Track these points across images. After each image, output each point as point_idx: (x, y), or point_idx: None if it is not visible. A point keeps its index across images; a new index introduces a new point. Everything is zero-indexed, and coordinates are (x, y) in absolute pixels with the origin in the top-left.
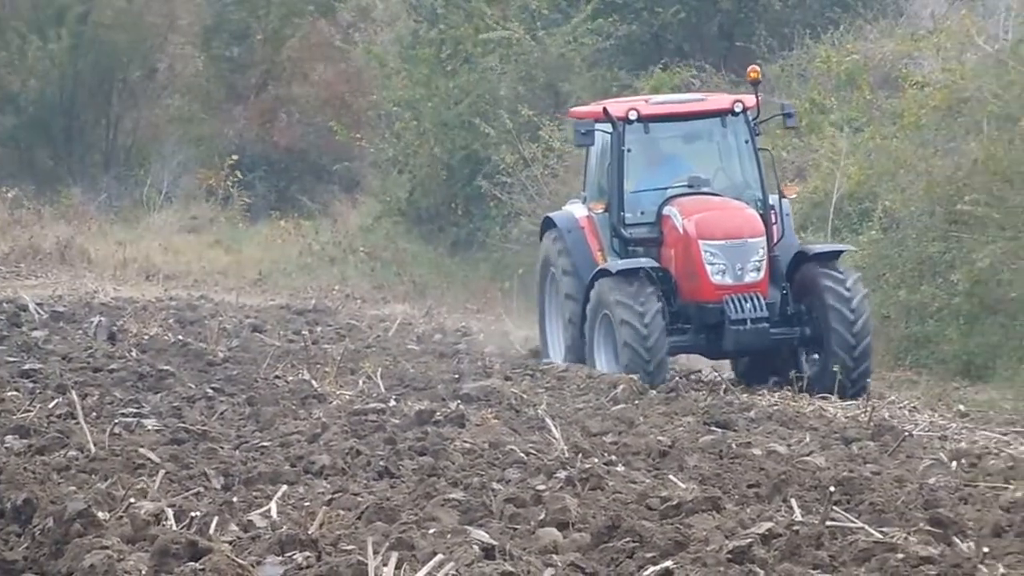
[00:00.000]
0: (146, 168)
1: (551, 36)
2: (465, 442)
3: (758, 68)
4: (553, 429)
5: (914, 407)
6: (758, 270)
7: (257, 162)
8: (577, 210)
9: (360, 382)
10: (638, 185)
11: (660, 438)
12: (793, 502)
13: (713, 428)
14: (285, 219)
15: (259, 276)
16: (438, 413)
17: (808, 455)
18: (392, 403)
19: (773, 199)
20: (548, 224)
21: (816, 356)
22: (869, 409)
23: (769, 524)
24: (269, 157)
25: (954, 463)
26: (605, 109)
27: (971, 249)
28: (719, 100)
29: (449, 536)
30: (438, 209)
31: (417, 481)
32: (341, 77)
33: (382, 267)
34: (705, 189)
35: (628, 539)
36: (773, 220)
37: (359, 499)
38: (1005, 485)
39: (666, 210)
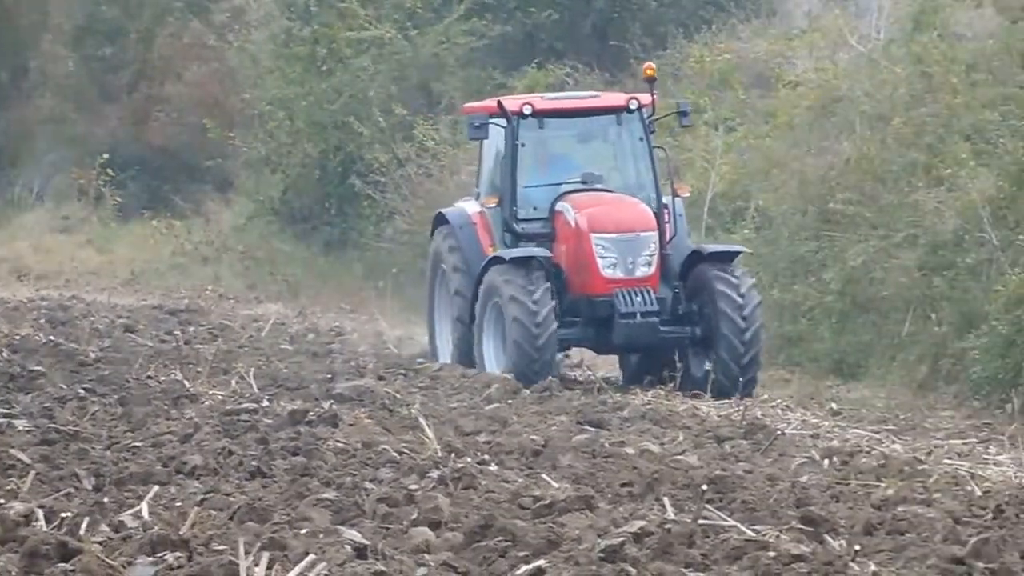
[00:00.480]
0: (18, 168)
1: (424, 36)
2: (338, 442)
3: (654, 66)
4: (426, 428)
5: (787, 406)
6: (649, 264)
7: (130, 161)
8: (469, 206)
9: (233, 382)
10: (531, 180)
11: (533, 437)
12: (666, 501)
13: (586, 427)
14: (158, 218)
15: (131, 276)
16: (311, 413)
17: (681, 454)
18: (265, 403)
19: (667, 198)
20: (439, 220)
21: (706, 359)
22: (742, 408)
23: (641, 523)
24: (142, 156)
25: (826, 461)
26: (500, 103)
27: (843, 248)
28: (614, 97)
29: (321, 536)
30: (311, 208)
31: (289, 481)
32: (214, 76)
33: (255, 266)
34: (598, 185)
35: (501, 538)
36: (666, 218)
37: (231, 499)
38: (876, 483)
39: (559, 206)
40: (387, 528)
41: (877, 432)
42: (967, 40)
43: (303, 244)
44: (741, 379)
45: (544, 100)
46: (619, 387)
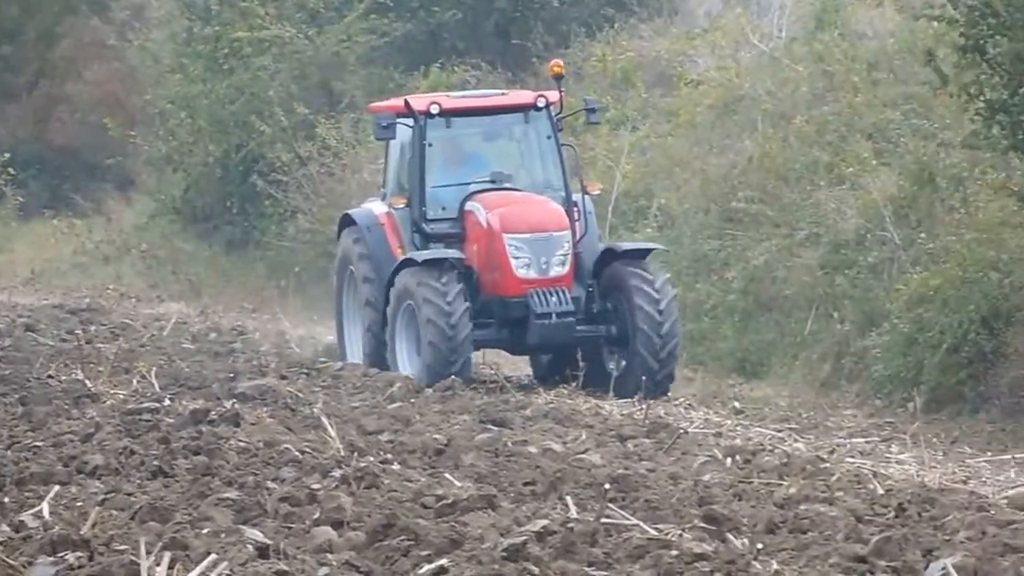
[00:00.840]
0: None
1: (325, 35)
2: (240, 441)
3: (561, 63)
4: (329, 428)
5: (689, 404)
6: (563, 264)
7: (31, 160)
8: (376, 207)
9: (134, 381)
10: (440, 180)
11: (436, 436)
12: (568, 500)
13: (489, 426)
14: (59, 218)
15: (32, 275)
16: (213, 412)
17: (584, 453)
18: (166, 402)
19: (576, 196)
20: (346, 221)
21: (622, 356)
22: (645, 407)
23: (544, 522)
24: (43, 155)
25: (728, 460)
26: (407, 102)
27: (746, 247)
28: (522, 95)
29: (223, 536)
30: (213, 207)
31: (191, 481)
32: (115, 75)
33: (157, 266)
34: (508, 184)
35: (403, 537)
36: (576, 216)
37: (132, 499)
38: (779, 482)
39: (468, 205)
40: (289, 528)
41: (780, 431)
42: (868, 39)
43: (205, 243)
44: (659, 374)
45: (451, 99)
46: (529, 386)
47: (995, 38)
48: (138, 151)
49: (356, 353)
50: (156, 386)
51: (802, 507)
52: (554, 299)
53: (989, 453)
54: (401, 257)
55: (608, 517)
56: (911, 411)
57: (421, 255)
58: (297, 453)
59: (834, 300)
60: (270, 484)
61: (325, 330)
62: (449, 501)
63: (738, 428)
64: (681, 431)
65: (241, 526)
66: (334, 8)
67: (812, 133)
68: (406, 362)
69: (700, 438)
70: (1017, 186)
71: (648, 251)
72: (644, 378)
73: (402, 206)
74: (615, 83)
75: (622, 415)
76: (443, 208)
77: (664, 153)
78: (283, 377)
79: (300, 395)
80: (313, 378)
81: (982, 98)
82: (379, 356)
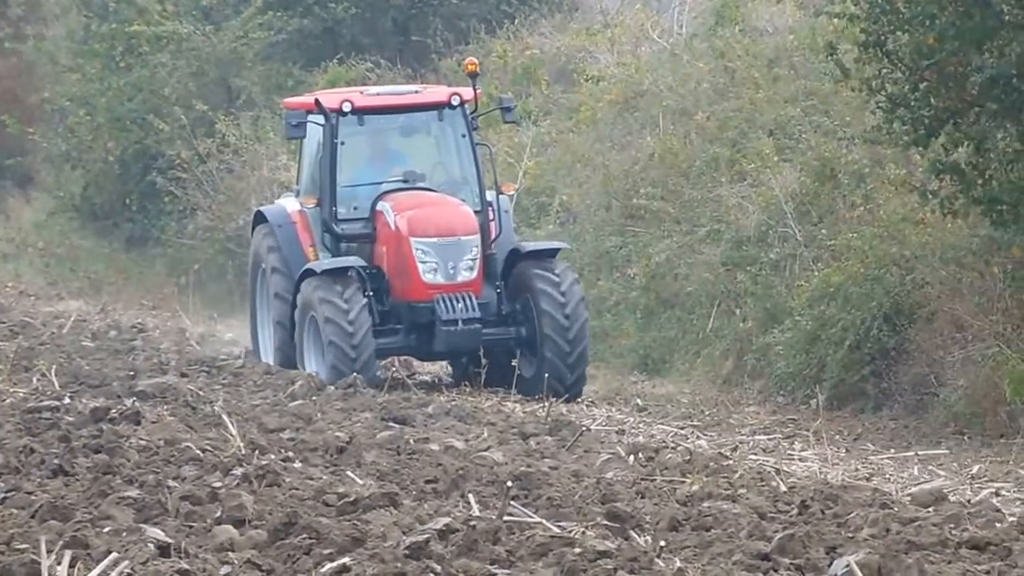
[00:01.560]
0: None
1: (222, 31)
2: (140, 439)
3: (476, 61)
4: (229, 426)
5: (592, 401)
6: (471, 269)
7: None
8: (289, 204)
9: (34, 379)
10: (352, 179)
11: (338, 434)
12: (471, 497)
13: (391, 424)
14: None
15: None
16: (113, 410)
17: (486, 450)
18: (66, 400)
19: (491, 195)
20: (259, 218)
21: (533, 359)
22: (547, 404)
23: (446, 519)
24: None
25: (631, 457)
26: (317, 100)
27: (647, 243)
28: (436, 92)
29: (124, 534)
30: (113, 205)
31: (92, 479)
32: (12, 71)
33: (56, 263)
34: (420, 184)
35: (305, 536)
36: (491, 217)
37: (33, 498)
38: (682, 479)
39: (379, 205)
40: (190, 526)
41: (682, 428)
42: (768, 35)
43: (105, 241)
44: (570, 378)
45: (364, 96)
46: (433, 385)
47: (895, 33)
48: (37, 148)
49: (269, 353)
50: (56, 384)
51: (705, 504)
52: (460, 305)
53: (892, 450)
54: (312, 258)
55: (511, 515)
56: (814, 408)
57: (322, 265)
58: (198, 451)
59: (736, 297)
60: (171, 483)
61: (225, 328)
62: (351, 499)
63: (640, 425)
64: (583, 429)
65: (142, 525)
66: (230, 5)
67: (713, 129)
68: (313, 368)
69: (603, 435)
70: (918, 182)
71: (555, 251)
72: (555, 382)
73: (313, 205)
74: (516, 79)
75: (524, 412)
76: (355, 207)
77: (566, 149)
78: (183, 375)
79: (200, 393)
80: (213, 376)
81: (883, 92)
82: (289, 351)
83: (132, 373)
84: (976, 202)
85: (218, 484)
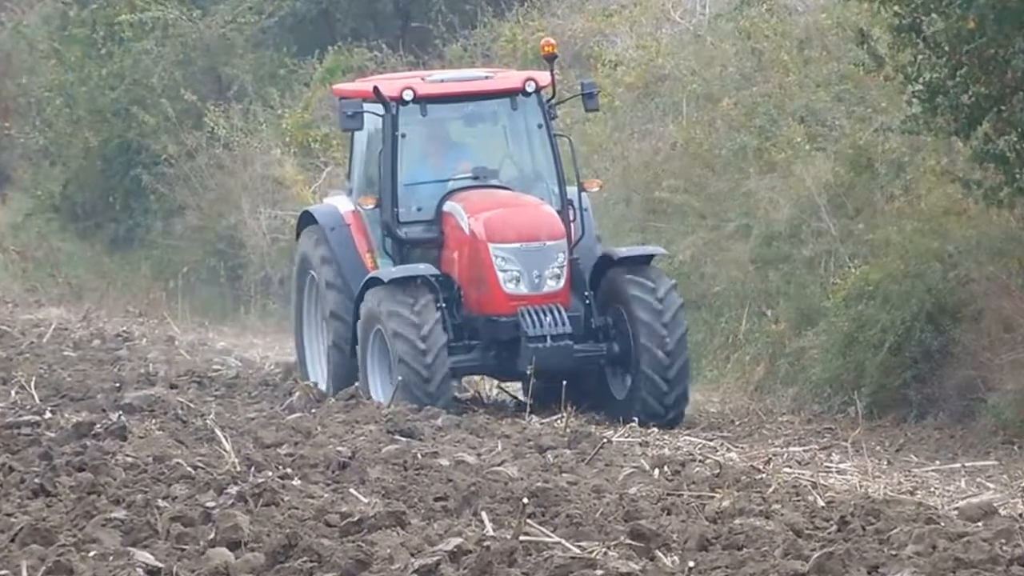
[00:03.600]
0: None
1: (210, 16)
2: (127, 456)
3: (553, 41)
4: (223, 440)
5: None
6: (558, 278)
7: None
8: (341, 204)
9: (12, 392)
10: (414, 176)
11: (339, 449)
12: (484, 516)
13: (397, 437)
14: None
15: None
16: (98, 425)
17: (500, 465)
18: (47, 415)
19: (572, 193)
20: (306, 220)
21: (627, 377)
22: (565, 414)
23: (458, 540)
24: None
25: (656, 471)
26: (376, 88)
27: (671, 240)
28: (508, 78)
29: (111, 559)
30: (94, 204)
31: (75, 499)
32: None
33: (35, 268)
34: (493, 181)
35: (306, 558)
36: (572, 217)
37: (12, 520)
38: (711, 494)
39: (447, 206)
40: (182, 549)
41: (711, 439)
42: (798, 14)
43: (86, 243)
44: (669, 396)
45: (427, 83)
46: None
47: (931, 16)
48: (13, 144)
49: (320, 372)
50: (36, 398)
51: (736, 521)
52: (548, 319)
53: (937, 461)
54: (371, 265)
55: (527, 534)
56: (852, 416)
57: (389, 273)
58: (189, 468)
59: (767, 297)
60: (161, 502)
61: (217, 335)
62: (355, 519)
63: (666, 437)
64: (604, 441)
65: (130, 548)
66: None
67: (740, 117)
68: (379, 388)
69: (625, 448)
70: (961, 171)
71: (649, 257)
72: (653, 402)
73: (371, 206)
74: (526, 65)
75: (541, 424)
76: (418, 208)
77: (582, 139)
78: (173, 386)
79: (192, 406)
80: (205, 387)
81: (920, 80)
82: (348, 375)
83: (118, 385)
84: (1022, 192)
85: (211, 504)
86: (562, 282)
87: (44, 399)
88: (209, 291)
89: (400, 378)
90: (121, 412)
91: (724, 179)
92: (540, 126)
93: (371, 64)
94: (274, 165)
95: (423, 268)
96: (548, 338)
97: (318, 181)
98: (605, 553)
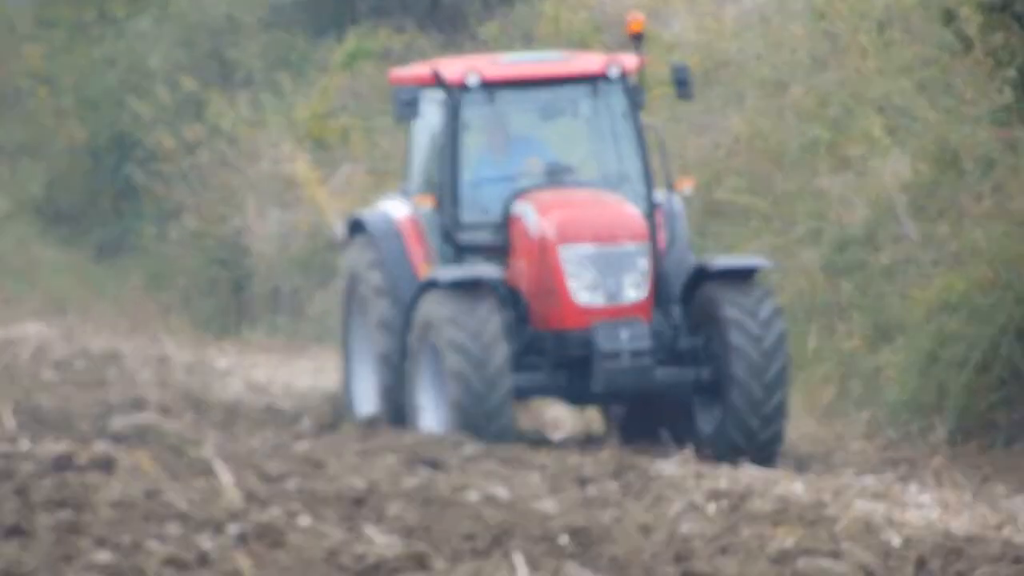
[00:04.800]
0: None
1: None
2: (113, 491)
3: (641, 17)
4: (222, 473)
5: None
6: (639, 287)
7: None
8: (396, 208)
9: None
10: (479, 174)
11: (355, 482)
12: (517, 557)
13: (419, 468)
14: None
15: None
16: (81, 456)
17: (535, 499)
18: (24, 445)
19: (661, 194)
20: (356, 227)
21: (716, 408)
22: (609, 440)
23: None
24: None
25: (711, 506)
26: (436, 71)
27: (733, 245)
28: (589, 61)
29: None
30: (81, 206)
31: (54, 540)
32: None
33: (13, 278)
34: (569, 179)
35: None
36: (660, 222)
37: None
38: (773, 531)
39: (516, 207)
40: None
41: (773, 469)
42: None
43: (71, 249)
44: (762, 435)
45: (496, 65)
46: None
47: None
48: None
49: (369, 400)
50: (12, 425)
51: (801, 562)
52: (626, 334)
53: None
54: (424, 275)
55: None
56: (933, 443)
57: (448, 275)
58: (184, 505)
59: (839, 310)
60: (151, 543)
61: (218, 352)
62: (371, 561)
63: (722, 467)
64: (654, 472)
65: None
66: None
67: (810, 106)
68: (430, 414)
69: (677, 480)
70: None
71: (751, 271)
72: (742, 437)
73: (430, 207)
74: (570, 47)
75: (582, 453)
76: (484, 211)
77: None
78: (166, 411)
79: (187, 434)
80: (203, 413)
81: (1013, 65)
82: (396, 393)
83: (104, 410)
84: None
85: (209, 545)
86: (644, 292)
87: (21, 426)
88: (208, 305)
89: (454, 397)
90: (107, 441)
91: (793, 177)
92: (626, 116)
93: (398, 46)
94: (284, 161)
95: (486, 270)
96: (625, 355)
97: (334, 180)
98: None
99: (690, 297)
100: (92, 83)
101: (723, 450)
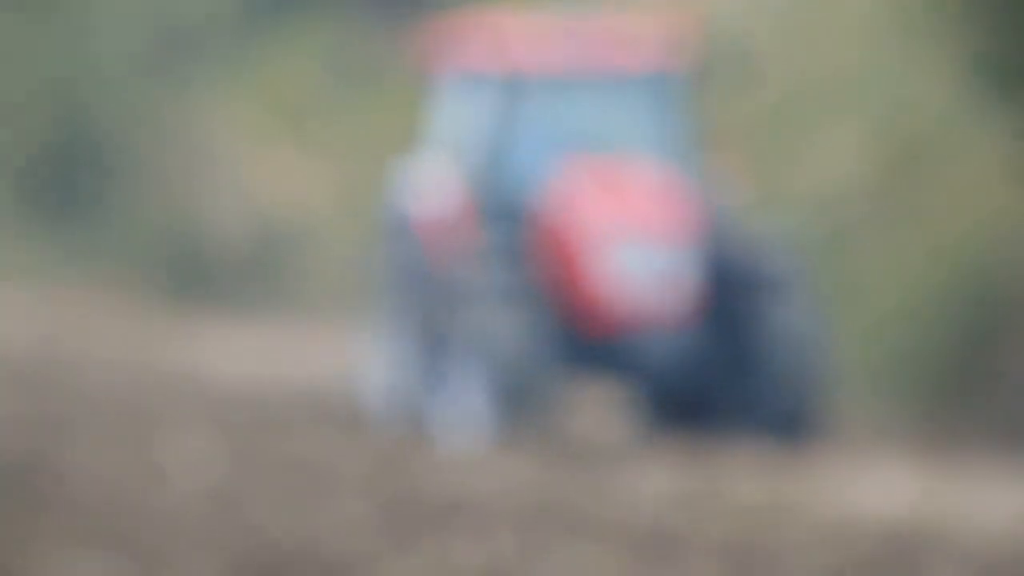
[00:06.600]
0: None
1: None
2: None
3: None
4: None
5: None
6: (681, 286)
7: None
8: (429, 195)
9: None
10: (519, 159)
11: None
12: None
13: None
14: None
15: None
16: None
17: None
18: None
19: (708, 180)
20: (384, 218)
21: (755, 397)
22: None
23: None
24: None
25: None
26: (465, 42)
27: None
28: (640, 37)
29: None
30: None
31: None
32: None
33: None
34: (612, 165)
35: None
36: (706, 213)
37: None
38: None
39: (551, 197)
40: None
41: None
42: None
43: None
44: (797, 414)
45: (531, 33)
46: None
47: None
48: None
49: (388, 386)
50: None
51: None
52: (665, 336)
53: None
54: (459, 267)
55: None
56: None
57: (482, 270)
58: None
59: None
60: None
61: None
62: None
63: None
64: None
65: None
66: None
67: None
68: (458, 411)
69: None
70: None
71: (793, 272)
72: (778, 421)
73: (458, 197)
74: None
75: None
76: (522, 200)
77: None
78: None
79: None
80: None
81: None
82: (414, 392)
83: None
84: None
85: None
86: (686, 293)
87: None
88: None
89: (492, 391)
90: None
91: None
92: (674, 99)
93: None
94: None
95: (519, 269)
96: (663, 358)
97: (312, 164)
98: None
99: (733, 299)
100: (36, 73)
101: (757, 430)
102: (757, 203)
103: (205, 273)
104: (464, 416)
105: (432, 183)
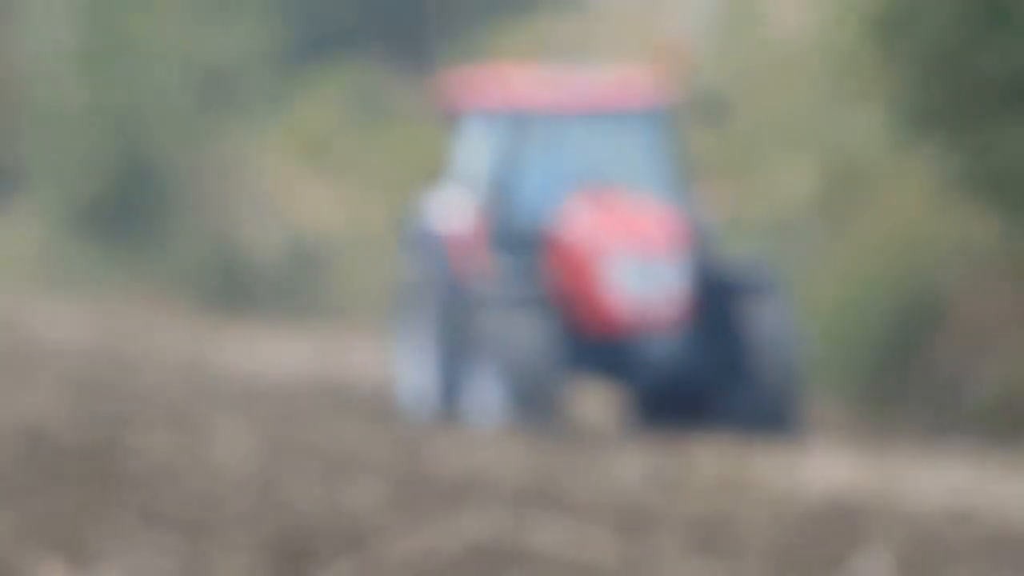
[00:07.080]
0: None
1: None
2: None
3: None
4: None
5: None
6: (676, 295)
7: None
8: (448, 215)
9: None
10: (526, 185)
11: None
12: None
13: None
14: None
15: None
16: None
17: None
18: None
19: (693, 204)
20: (406, 234)
21: (737, 392)
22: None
23: None
24: None
25: None
26: (481, 87)
27: None
28: (637, 85)
29: None
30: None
31: None
32: None
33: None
34: (611, 191)
35: None
36: (695, 230)
37: None
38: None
39: (561, 218)
40: None
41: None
42: None
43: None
44: (778, 410)
45: (544, 82)
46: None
47: None
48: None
49: (417, 384)
50: None
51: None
52: (660, 339)
53: None
54: (477, 279)
55: None
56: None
57: (492, 287)
58: None
59: None
60: None
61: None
62: None
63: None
64: None
65: None
66: None
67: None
68: (482, 410)
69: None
70: None
71: (772, 275)
72: (758, 416)
73: (477, 217)
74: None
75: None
76: (533, 220)
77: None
78: None
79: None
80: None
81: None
82: (443, 399)
83: None
84: None
85: None
86: (679, 300)
87: None
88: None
89: (508, 394)
90: None
91: None
92: (666, 135)
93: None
94: (285, 168)
95: (533, 280)
96: (661, 357)
97: (338, 191)
98: None
99: (714, 301)
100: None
101: (741, 424)
102: (729, 223)
103: (247, 286)
104: (481, 410)
105: (453, 208)
